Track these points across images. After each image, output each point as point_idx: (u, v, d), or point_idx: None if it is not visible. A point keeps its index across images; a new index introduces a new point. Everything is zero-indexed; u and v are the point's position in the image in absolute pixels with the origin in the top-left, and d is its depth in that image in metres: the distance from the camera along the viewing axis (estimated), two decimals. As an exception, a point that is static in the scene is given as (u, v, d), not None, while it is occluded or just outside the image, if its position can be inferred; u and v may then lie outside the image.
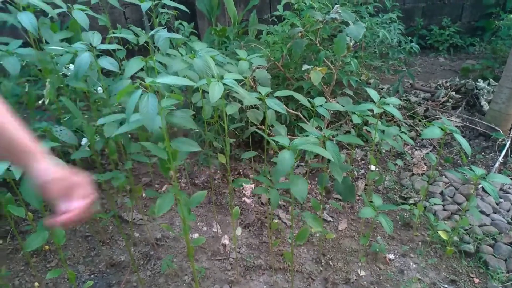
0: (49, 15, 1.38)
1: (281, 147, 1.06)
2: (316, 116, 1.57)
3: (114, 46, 1.29)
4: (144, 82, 0.95)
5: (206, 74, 1.29)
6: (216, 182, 2.16)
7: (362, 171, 2.24)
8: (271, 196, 1.24)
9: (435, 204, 1.87)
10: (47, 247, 1.80)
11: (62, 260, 1.36)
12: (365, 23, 2.33)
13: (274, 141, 1.10)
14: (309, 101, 1.43)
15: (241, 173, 2.18)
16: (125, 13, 3.66)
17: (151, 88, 0.94)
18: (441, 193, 2.00)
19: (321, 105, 1.42)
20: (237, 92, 1.24)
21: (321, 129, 1.62)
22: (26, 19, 1.20)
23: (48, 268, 1.68)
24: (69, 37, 1.61)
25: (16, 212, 1.30)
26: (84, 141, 1.82)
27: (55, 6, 1.45)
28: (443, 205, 1.90)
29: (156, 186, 2.18)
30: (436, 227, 1.69)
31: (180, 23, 2.22)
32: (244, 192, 2.07)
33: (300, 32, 2.02)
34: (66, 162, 1.05)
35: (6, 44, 1.53)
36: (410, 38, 2.69)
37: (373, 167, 2.26)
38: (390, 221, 1.28)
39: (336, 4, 2.38)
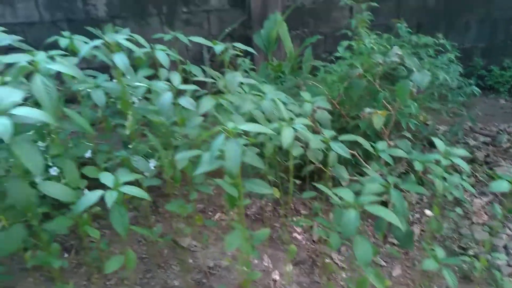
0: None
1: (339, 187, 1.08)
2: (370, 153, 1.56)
3: (193, 87, 1.41)
4: (224, 125, 1.02)
5: (273, 115, 1.35)
6: (267, 214, 2.19)
7: (417, 215, 2.18)
8: (331, 239, 1.25)
9: (498, 258, 1.77)
10: (107, 265, 1.90)
11: (131, 279, 1.44)
12: (424, 65, 2.32)
13: (336, 195, 1.12)
14: (371, 146, 1.45)
15: (293, 207, 2.20)
16: (187, 46, 3.90)
17: (233, 133, 1.01)
18: (505, 246, 1.89)
19: (383, 150, 1.44)
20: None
21: (376, 170, 1.62)
22: (120, 60, 1.35)
23: (108, 285, 1.78)
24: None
25: (92, 233, 1.42)
26: (150, 167, 1.93)
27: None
28: (507, 260, 1.79)
29: (209, 213, 2.25)
30: (502, 285, 1.60)
31: (243, 60, 2.35)
32: (295, 227, 2.09)
33: (359, 73, 2.07)
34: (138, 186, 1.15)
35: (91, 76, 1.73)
36: (469, 80, 2.63)
37: (429, 212, 2.20)
38: (453, 274, 1.24)
39: (394, 45, 2.40)
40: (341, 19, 3.48)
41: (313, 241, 2.00)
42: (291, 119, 1.20)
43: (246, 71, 2.42)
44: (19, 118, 0.96)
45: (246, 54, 3.22)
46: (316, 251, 1.93)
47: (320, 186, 1.15)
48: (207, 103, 1.42)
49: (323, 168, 1.75)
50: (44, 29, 3.79)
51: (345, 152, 1.27)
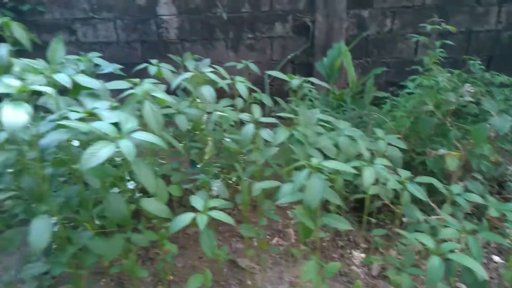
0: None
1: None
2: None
3: (272, 120, 1.49)
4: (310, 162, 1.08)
5: (349, 151, 1.39)
6: (325, 244, 2.20)
7: (484, 260, 2.08)
8: (403, 280, 1.25)
9: None
10: (171, 277, 2.01)
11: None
12: (498, 104, 2.25)
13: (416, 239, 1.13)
14: (446, 188, 1.44)
15: (352, 240, 2.20)
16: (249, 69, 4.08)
17: (316, 169, 1.07)
18: None
19: (459, 194, 1.42)
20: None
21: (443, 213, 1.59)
22: (207, 91, 1.47)
23: (171, 297, 1.88)
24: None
25: (170, 247, 1.53)
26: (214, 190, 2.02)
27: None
28: None
29: (267, 237, 2.30)
30: None
31: (309, 90, 2.41)
32: (353, 260, 2.08)
33: (429, 109, 2.05)
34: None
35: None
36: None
37: (497, 258, 2.09)
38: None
39: (466, 82, 2.36)
40: (406, 50, 3.46)
41: (373, 276, 1.98)
42: (371, 159, 1.24)
43: (311, 100, 2.48)
44: (135, 141, 1.09)
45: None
46: (375, 286, 1.91)
47: (404, 233, 1.15)
48: (282, 135, 1.49)
49: (390, 205, 1.75)
50: (119, 48, 4.14)
51: (422, 195, 1.27)
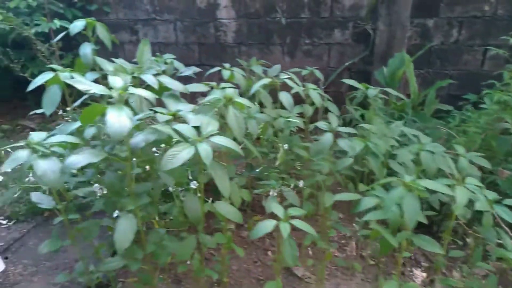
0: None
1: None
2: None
3: (348, 129, 1.47)
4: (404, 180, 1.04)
5: (430, 168, 1.34)
6: (384, 259, 2.13)
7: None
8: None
9: None
10: (226, 279, 2.03)
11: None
12: None
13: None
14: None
15: (412, 257, 2.11)
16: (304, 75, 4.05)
17: (410, 187, 1.03)
18: None
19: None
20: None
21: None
22: (285, 98, 1.47)
23: (227, 299, 1.89)
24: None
25: (238, 251, 1.54)
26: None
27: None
28: None
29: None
30: None
31: (375, 99, 2.35)
32: (414, 278, 1.99)
33: (507, 126, 1.94)
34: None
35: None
36: None
37: None
38: None
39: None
40: (472, 62, 3.29)
41: (436, 298, 1.89)
42: (463, 178, 1.18)
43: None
44: (214, 145, 1.10)
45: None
46: (439, 310, 1.82)
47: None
48: (358, 146, 1.46)
49: (464, 226, 1.67)
50: (178, 49, 4.25)
51: (511, 218, 1.19)
